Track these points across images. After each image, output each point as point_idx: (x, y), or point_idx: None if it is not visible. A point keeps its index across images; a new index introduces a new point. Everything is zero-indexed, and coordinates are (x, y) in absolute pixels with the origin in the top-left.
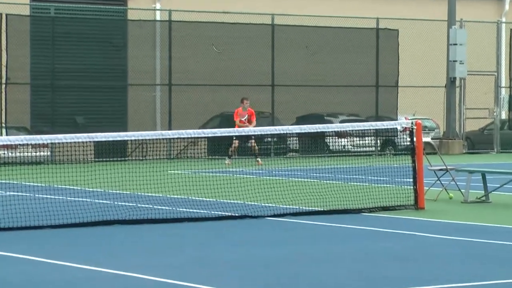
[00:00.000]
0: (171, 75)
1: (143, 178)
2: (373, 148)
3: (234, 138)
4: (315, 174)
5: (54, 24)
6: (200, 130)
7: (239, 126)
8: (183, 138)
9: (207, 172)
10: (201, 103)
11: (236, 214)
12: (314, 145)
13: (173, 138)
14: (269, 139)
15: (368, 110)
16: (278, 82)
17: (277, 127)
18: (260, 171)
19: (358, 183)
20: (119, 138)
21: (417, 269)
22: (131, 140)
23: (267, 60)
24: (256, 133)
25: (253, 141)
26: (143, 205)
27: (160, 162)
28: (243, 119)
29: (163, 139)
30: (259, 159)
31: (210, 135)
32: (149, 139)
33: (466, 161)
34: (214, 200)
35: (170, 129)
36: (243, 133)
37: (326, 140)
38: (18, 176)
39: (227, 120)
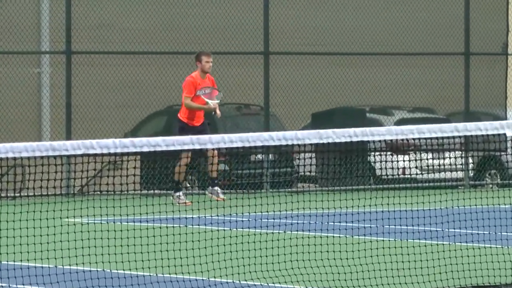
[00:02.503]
0: (69, 36)
1: (14, 234)
2: (461, 174)
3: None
4: (347, 224)
5: None
6: (129, 140)
7: (209, 111)
8: (96, 155)
9: (138, 222)
10: (123, 87)
11: None
12: (347, 169)
13: (77, 156)
14: (260, 156)
15: (449, 101)
16: (276, 46)
17: (275, 134)
18: (241, 219)
19: (434, 242)
20: None
21: None
22: None
23: (256, 7)
24: (224, 144)
25: (214, 151)
26: None
27: (50, 202)
28: (206, 93)
29: (56, 157)
30: (218, 190)
31: (148, 149)
32: (29, 157)
33: None
34: (151, 275)
35: (69, 138)
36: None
37: (370, 158)
38: None
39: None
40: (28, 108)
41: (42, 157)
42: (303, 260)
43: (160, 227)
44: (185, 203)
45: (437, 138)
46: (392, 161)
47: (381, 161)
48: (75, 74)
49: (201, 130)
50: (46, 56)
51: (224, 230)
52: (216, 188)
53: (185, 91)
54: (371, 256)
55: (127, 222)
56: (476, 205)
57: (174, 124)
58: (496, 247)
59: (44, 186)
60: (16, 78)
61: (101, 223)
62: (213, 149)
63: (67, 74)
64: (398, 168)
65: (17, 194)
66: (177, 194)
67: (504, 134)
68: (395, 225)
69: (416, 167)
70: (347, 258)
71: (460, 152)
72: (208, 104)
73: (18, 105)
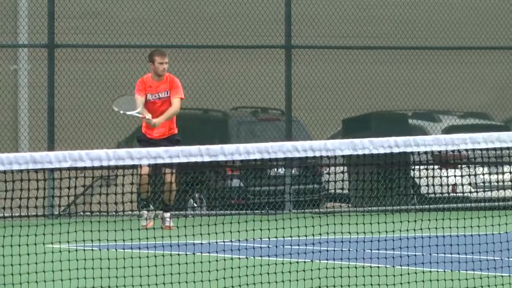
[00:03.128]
0: (52, 26)
1: None
2: None
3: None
4: (387, 252)
5: None
6: (125, 151)
7: (147, 123)
8: (86, 169)
9: (136, 248)
10: (117, 87)
11: None
12: (386, 186)
13: (62, 169)
14: (281, 170)
15: (508, 105)
16: (300, 39)
17: (299, 144)
18: (259, 245)
19: (491, 273)
20: None
21: None
22: None
23: None
24: (239, 156)
25: (169, 171)
26: None
27: (31, 225)
28: (154, 98)
29: (37, 170)
30: (167, 218)
31: (148, 161)
32: (5, 170)
33: None
34: None
35: (52, 148)
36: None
37: (413, 173)
38: None
39: (187, 126)
40: (2, 112)
41: (20, 171)
42: None
43: (163, 255)
44: (146, 226)
45: (494, 149)
46: (440, 177)
47: (427, 177)
48: (59, 71)
49: (164, 145)
50: (24, 50)
51: (238, 258)
52: (167, 214)
53: (136, 93)
54: None
55: (123, 248)
56: None
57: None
58: None
59: (23, 206)
60: None
61: (91, 249)
62: (171, 172)
63: (50, 71)
64: (447, 185)
65: None
66: (144, 218)
67: None
68: (444, 253)
69: (469, 184)
70: None
71: None
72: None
73: None
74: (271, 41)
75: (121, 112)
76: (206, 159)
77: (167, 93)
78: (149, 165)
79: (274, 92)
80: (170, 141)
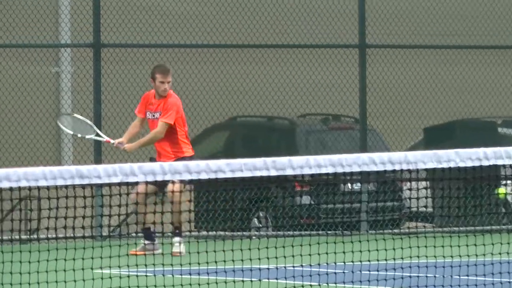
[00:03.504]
0: (98, 25)
1: None
2: None
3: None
4: (477, 279)
5: None
6: (183, 164)
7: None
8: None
9: (195, 274)
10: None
11: None
12: (474, 203)
13: (112, 184)
14: (357, 185)
15: None
16: (376, 37)
17: (376, 156)
18: (333, 270)
19: None
20: None
21: None
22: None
23: None
24: (309, 170)
25: (172, 186)
26: None
27: (77, 247)
28: (152, 117)
29: (84, 186)
30: (176, 243)
31: (207, 175)
32: (48, 186)
33: None
34: None
35: (98, 160)
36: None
37: (505, 189)
38: None
39: (249, 136)
40: (44, 121)
41: (64, 187)
42: None
43: (226, 281)
44: (144, 250)
45: None
46: None
47: None
48: (106, 74)
49: None
50: (66, 50)
51: (310, 285)
52: (176, 239)
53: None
54: None
55: (180, 274)
56: None
57: (236, 142)
58: None
59: (68, 226)
60: (27, 80)
61: (145, 275)
62: (180, 191)
63: (96, 73)
64: None
65: (31, 236)
66: (145, 243)
67: None
68: None
69: None
70: None
71: None
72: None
73: (31, 116)
74: (343, 40)
75: (79, 135)
76: (272, 173)
77: (154, 115)
78: (145, 184)
79: (346, 98)
80: None
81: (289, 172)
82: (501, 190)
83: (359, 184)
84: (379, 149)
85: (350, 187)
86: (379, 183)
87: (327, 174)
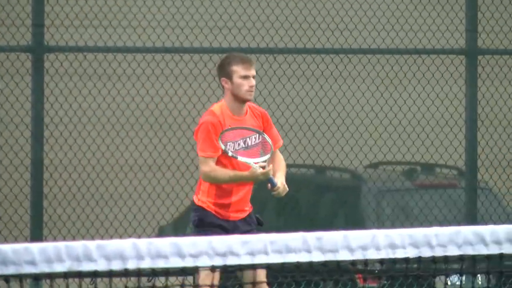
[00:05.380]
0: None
1: None
2: None
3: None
4: None
5: None
6: (206, 240)
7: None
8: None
9: None
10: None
11: None
12: None
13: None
14: (457, 278)
15: None
16: (487, 41)
17: (487, 230)
18: None
19: None
20: None
21: None
22: None
23: None
24: (377, 253)
25: (253, 272)
26: None
27: None
28: (239, 148)
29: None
30: None
31: (233, 259)
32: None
33: None
34: None
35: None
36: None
37: None
38: None
39: (287, 197)
40: None
41: None
42: None
43: None
44: None
45: None
46: None
47: None
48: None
49: (244, 230)
50: None
51: None
52: None
53: (200, 145)
54: None
55: None
56: None
57: (268, 204)
58: None
59: None
60: None
61: None
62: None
63: (35, 85)
64: None
65: None
66: None
67: None
68: None
69: None
70: None
71: None
72: (252, 168)
73: None
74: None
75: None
76: (316, 257)
77: (259, 136)
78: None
79: (443, 134)
80: (251, 217)
81: (344, 256)
82: None
83: (459, 277)
84: (495, 218)
85: (445, 282)
86: (493, 275)
87: (407, 259)
